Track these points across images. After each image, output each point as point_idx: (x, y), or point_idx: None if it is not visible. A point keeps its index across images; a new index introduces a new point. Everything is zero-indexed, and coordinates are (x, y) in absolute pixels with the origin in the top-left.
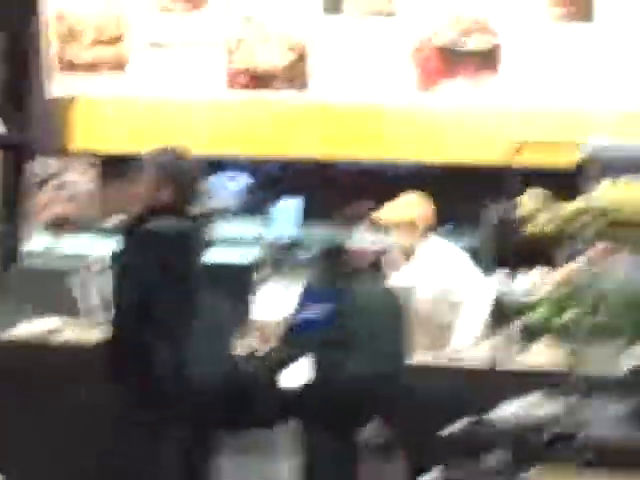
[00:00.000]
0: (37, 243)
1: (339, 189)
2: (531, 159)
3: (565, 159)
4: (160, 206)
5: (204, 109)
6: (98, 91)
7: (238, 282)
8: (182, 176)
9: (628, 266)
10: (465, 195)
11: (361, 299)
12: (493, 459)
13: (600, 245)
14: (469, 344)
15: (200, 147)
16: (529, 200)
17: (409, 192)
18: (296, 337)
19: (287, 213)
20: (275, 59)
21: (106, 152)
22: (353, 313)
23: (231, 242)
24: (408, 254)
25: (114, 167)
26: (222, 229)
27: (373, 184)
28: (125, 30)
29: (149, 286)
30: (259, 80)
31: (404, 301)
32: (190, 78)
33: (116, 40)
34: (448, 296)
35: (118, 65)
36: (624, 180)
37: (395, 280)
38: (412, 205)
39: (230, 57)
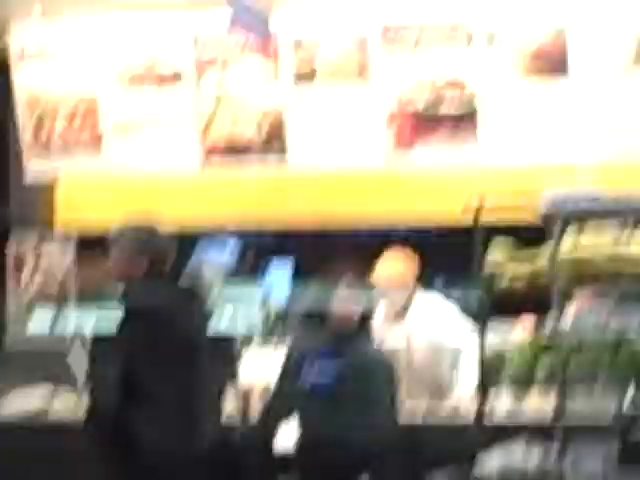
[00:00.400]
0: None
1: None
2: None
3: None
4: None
5: (182, 186)
6: (75, 172)
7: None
8: (153, 248)
9: (606, 313)
10: (446, 253)
11: (357, 361)
12: None
13: (585, 293)
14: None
15: (182, 223)
16: (496, 250)
17: (394, 251)
18: (313, 401)
19: (280, 278)
20: (250, 132)
21: (86, 231)
22: (352, 376)
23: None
24: (399, 312)
25: (93, 245)
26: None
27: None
28: (98, 110)
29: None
30: (236, 154)
31: (397, 360)
32: (165, 156)
33: (90, 120)
34: (444, 350)
35: (94, 145)
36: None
37: (389, 337)
38: (401, 261)
39: (204, 133)
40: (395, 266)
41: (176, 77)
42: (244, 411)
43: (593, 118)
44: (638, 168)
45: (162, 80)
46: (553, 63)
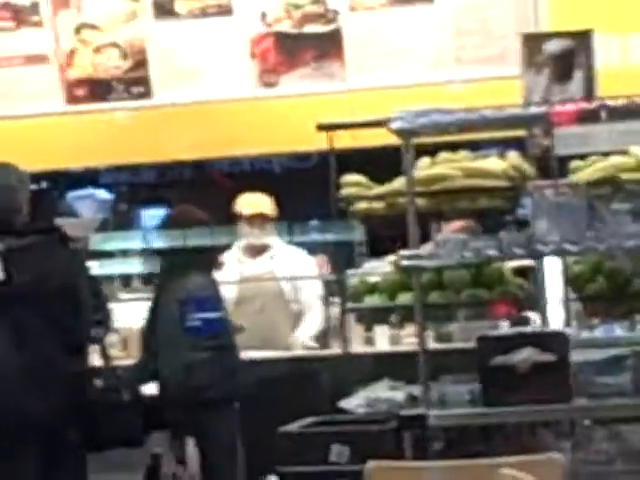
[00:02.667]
0: None
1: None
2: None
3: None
4: None
5: (46, 125)
6: None
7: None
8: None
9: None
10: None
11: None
12: (334, 454)
13: (452, 225)
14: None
15: (52, 163)
16: (348, 185)
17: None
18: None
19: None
20: (113, 66)
21: None
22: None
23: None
24: (258, 248)
25: None
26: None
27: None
28: None
29: None
30: (99, 89)
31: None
32: (26, 95)
33: None
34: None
35: None
36: (443, 155)
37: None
38: (265, 201)
39: (65, 69)
40: (258, 204)
41: (32, 12)
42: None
43: (458, 39)
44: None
45: (18, 15)
46: None
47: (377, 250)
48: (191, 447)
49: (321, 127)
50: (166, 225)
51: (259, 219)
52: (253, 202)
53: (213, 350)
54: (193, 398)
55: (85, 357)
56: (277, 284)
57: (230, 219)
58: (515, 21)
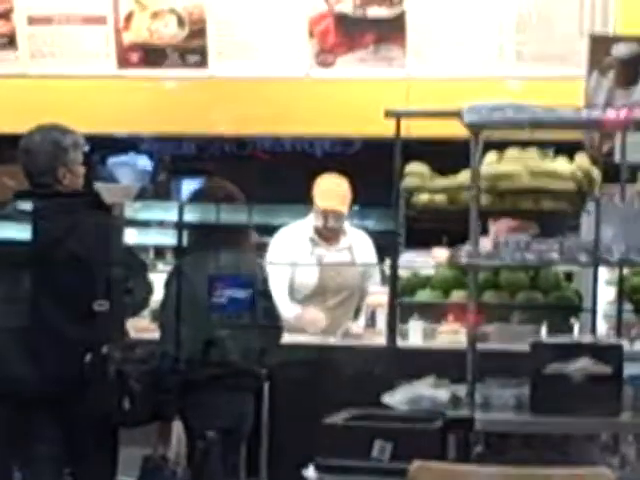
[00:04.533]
0: None
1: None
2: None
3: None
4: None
5: (95, 87)
6: None
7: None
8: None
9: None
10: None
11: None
12: (376, 450)
13: (504, 222)
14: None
15: (96, 126)
16: (411, 175)
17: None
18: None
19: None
20: (169, 34)
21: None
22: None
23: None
24: (333, 237)
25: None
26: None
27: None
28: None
29: None
30: (154, 54)
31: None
32: (79, 56)
33: (5, 14)
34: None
35: (10, 41)
36: (511, 152)
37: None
38: (344, 194)
39: (120, 33)
40: (341, 199)
41: None
42: None
43: (521, 34)
44: (562, 88)
45: None
46: None
47: (412, 241)
48: (180, 428)
49: (389, 113)
50: (195, 198)
51: (335, 213)
52: (332, 195)
53: (237, 329)
54: (209, 371)
55: (95, 328)
56: (359, 277)
57: (268, 197)
58: (580, 21)
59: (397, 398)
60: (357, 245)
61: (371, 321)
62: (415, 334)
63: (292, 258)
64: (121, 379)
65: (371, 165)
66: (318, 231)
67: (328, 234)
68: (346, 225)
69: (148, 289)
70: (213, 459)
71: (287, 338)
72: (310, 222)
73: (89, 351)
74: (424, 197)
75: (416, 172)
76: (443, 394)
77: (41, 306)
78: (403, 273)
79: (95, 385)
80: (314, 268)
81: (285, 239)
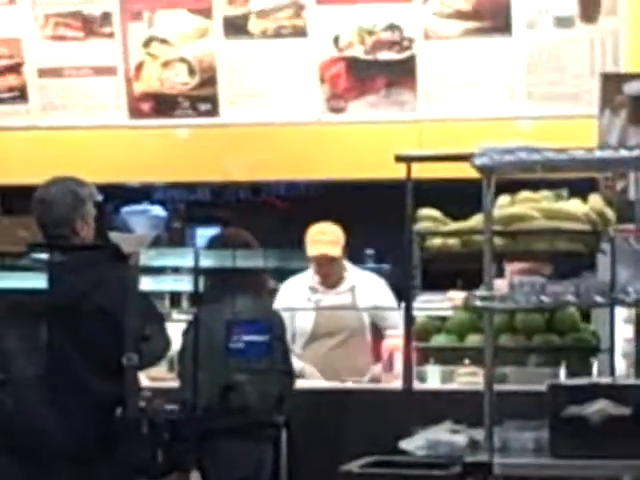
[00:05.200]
0: None
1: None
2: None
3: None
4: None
5: (107, 138)
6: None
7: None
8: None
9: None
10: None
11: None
12: None
13: (518, 265)
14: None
15: (109, 177)
16: (424, 219)
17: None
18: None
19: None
20: (180, 82)
21: (9, 184)
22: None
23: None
24: (332, 282)
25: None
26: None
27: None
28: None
29: None
30: (166, 103)
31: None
32: (90, 107)
33: (16, 67)
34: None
35: (21, 94)
36: (523, 194)
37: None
38: (334, 239)
39: (131, 83)
40: (331, 246)
41: (102, 23)
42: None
43: (532, 75)
44: (574, 127)
45: (88, 25)
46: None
47: (427, 284)
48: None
49: (399, 158)
50: (211, 245)
51: (326, 258)
52: (319, 241)
53: (255, 374)
54: (229, 421)
55: (123, 381)
56: (360, 318)
57: (282, 242)
58: (591, 60)
59: (414, 444)
60: (362, 286)
61: (389, 364)
62: (433, 377)
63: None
64: (153, 431)
65: (384, 209)
66: (318, 278)
67: (326, 280)
68: (351, 268)
69: (166, 341)
70: None
71: (304, 383)
72: (311, 271)
73: (119, 405)
74: (437, 241)
75: (428, 216)
76: (461, 439)
77: (69, 360)
78: (419, 316)
79: (127, 439)
80: (311, 313)
81: (286, 290)
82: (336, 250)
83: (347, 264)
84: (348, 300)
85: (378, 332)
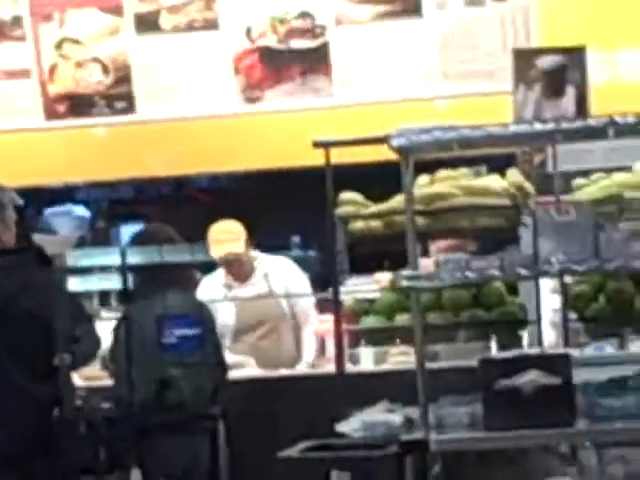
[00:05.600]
0: None
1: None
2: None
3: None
4: None
5: (25, 140)
6: None
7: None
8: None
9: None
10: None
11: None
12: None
13: (443, 243)
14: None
15: (29, 179)
16: (344, 204)
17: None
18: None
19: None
20: (95, 82)
21: None
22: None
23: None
24: (243, 275)
25: None
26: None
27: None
28: None
29: None
30: (81, 104)
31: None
32: (6, 111)
33: None
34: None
35: None
36: (442, 173)
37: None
38: (234, 236)
39: (46, 85)
40: (231, 244)
41: (13, 26)
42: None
43: (445, 54)
44: (490, 104)
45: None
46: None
47: (355, 268)
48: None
49: (317, 144)
50: (135, 242)
51: (231, 255)
52: (221, 240)
53: (189, 368)
54: (166, 417)
55: (57, 382)
56: (279, 304)
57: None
58: (503, 37)
59: (351, 426)
60: (274, 272)
61: (321, 349)
62: (366, 359)
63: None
64: (92, 429)
65: (308, 196)
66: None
67: (238, 276)
68: (260, 256)
69: (96, 340)
70: None
71: (237, 373)
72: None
73: (55, 406)
74: (360, 224)
75: (349, 200)
76: (396, 418)
77: (0, 364)
78: (347, 299)
79: (67, 438)
80: (231, 309)
81: (201, 291)
82: (239, 246)
83: (255, 253)
84: (264, 289)
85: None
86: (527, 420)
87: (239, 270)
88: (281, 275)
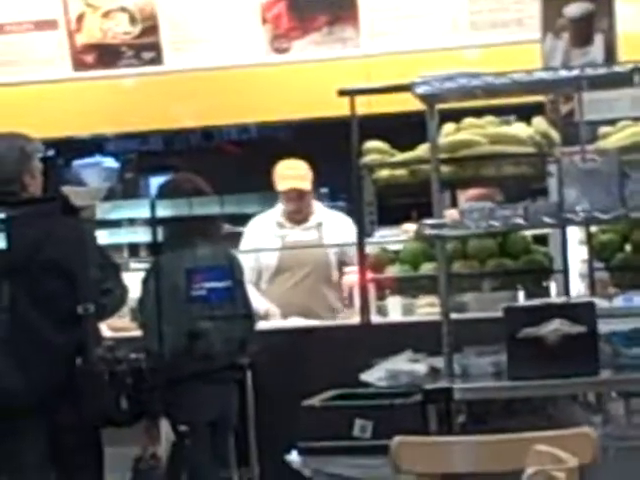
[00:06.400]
0: None
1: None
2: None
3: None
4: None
5: (53, 91)
6: None
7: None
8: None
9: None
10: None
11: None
12: (357, 429)
13: (471, 192)
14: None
15: (58, 131)
16: (370, 152)
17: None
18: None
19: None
20: (122, 32)
21: None
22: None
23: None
24: (301, 217)
25: None
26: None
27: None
28: None
29: None
30: (108, 53)
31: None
32: (34, 62)
33: None
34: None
35: None
36: (468, 121)
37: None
38: (302, 173)
39: (73, 35)
40: (300, 180)
41: None
42: None
43: (474, 3)
44: (519, 53)
45: None
46: None
47: (385, 219)
48: (166, 426)
49: (342, 92)
50: (163, 193)
51: (296, 192)
52: (288, 176)
53: (218, 319)
54: (194, 367)
55: (81, 332)
56: (325, 253)
57: (239, 187)
58: None
59: (375, 375)
60: (328, 223)
61: (349, 300)
62: (395, 310)
63: (258, 244)
64: (115, 379)
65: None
66: (286, 214)
67: (295, 215)
68: (319, 206)
69: (123, 290)
70: (190, 452)
71: (265, 324)
72: (279, 208)
73: (78, 355)
74: (385, 173)
75: (375, 148)
76: (421, 367)
77: (24, 314)
78: (373, 250)
79: (89, 388)
80: (277, 247)
81: (253, 228)
82: (306, 184)
83: (315, 202)
84: (314, 236)
85: None
86: (551, 369)
87: (298, 208)
88: (334, 228)
